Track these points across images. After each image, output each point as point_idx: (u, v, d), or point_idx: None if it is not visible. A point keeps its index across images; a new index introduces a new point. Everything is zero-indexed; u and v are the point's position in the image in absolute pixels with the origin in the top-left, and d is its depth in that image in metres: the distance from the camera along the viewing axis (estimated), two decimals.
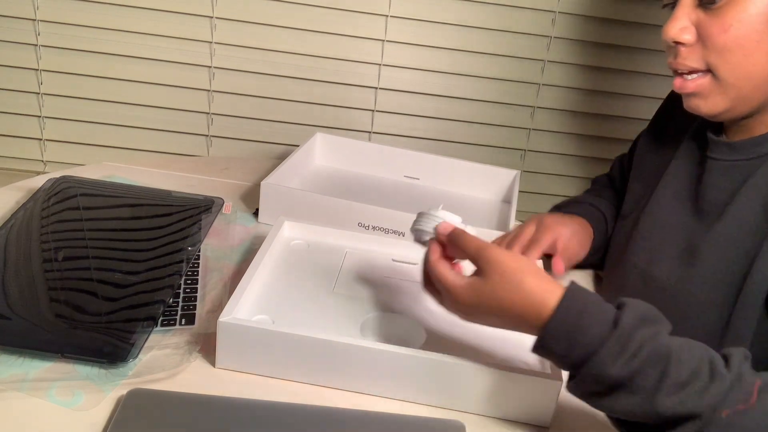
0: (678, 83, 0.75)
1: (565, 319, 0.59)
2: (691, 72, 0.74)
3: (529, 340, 0.76)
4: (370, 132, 1.35)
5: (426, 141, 1.36)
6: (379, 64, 1.29)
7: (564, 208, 0.98)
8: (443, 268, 0.65)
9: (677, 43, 0.73)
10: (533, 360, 0.73)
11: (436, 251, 0.67)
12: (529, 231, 0.88)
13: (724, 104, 0.74)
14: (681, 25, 0.72)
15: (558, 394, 0.68)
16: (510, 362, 0.72)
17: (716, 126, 0.80)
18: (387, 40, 1.27)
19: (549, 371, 0.69)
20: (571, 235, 0.90)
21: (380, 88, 1.31)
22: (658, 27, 1.28)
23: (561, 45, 1.30)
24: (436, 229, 0.68)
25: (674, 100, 0.88)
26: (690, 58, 0.73)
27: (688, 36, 0.73)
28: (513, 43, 1.29)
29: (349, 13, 1.25)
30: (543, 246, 0.86)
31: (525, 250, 0.86)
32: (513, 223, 0.99)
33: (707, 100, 0.74)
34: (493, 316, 0.63)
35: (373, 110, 1.33)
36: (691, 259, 0.77)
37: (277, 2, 1.23)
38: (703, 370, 0.56)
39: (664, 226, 0.82)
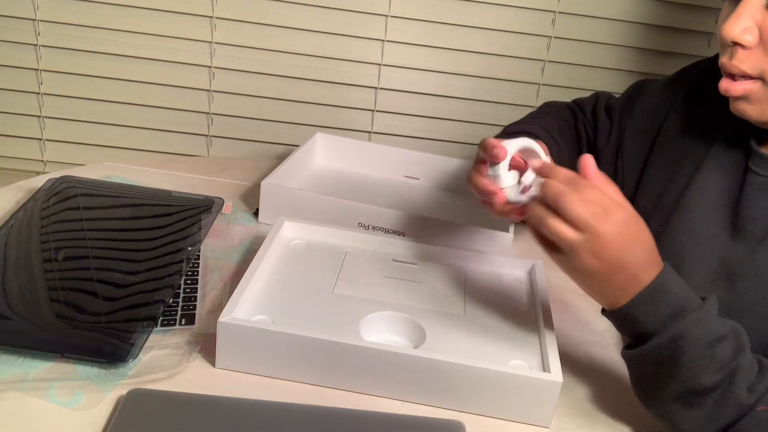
0: (724, 85, 0.70)
1: (673, 278, 0.63)
2: (743, 76, 0.69)
3: (528, 339, 0.76)
4: (370, 132, 1.35)
5: (426, 141, 1.36)
6: (379, 64, 1.29)
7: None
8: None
9: (736, 44, 0.67)
10: (533, 360, 0.73)
11: (591, 166, 0.63)
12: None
13: None
14: (744, 25, 0.66)
15: (558, 394, 0.68)
16: (509, 362, 0.71)
17: (760, 133, 0.75)
18: (387, 40, 1.27)
19: (549, 371, 0.68)
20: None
21: (380, 88, 1.31)
22: (659, 27, 1.29)
23: (561, 45, 1.30)
24: (579, 162, 0.65)
25: (707, 86, 0.83)
26: (746, 62, 0.68)
27: (750, 37, 0.66)
28: (513, 43, 1.29)
29: (349, 13, 1.25)
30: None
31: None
32: (513, 223, 0.99)
33: (755, 106, 0.70)
34: (629, 250, 0.61)
35: (373, 110, 1.33)
36: (727, 284, 0.74)
37: (277, 2, 1.23)
38: (754, 365, 0.62)
39: (695, 239, 0.78)
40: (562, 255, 0.63)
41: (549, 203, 0.62)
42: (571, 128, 0.99)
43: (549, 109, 1.03)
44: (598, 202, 0.61)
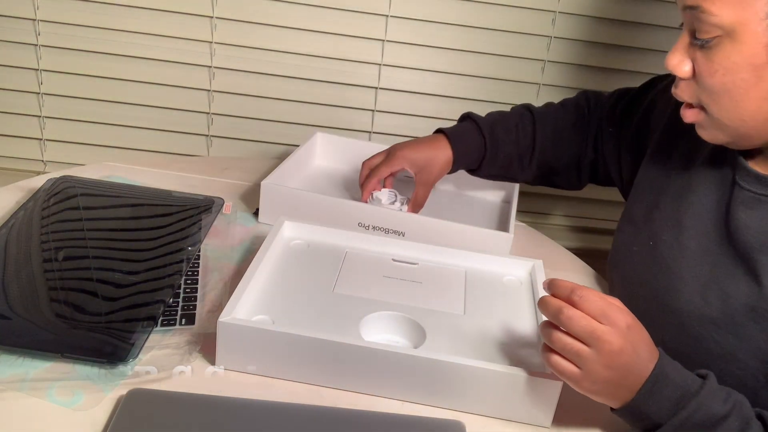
0: (681, 111, 0.74)
1: (670, 364, 0.65)
2: (690, 106, 0.72)
3: (528, 339, 0.76)
4: (370, 132, 1.35)
5: None
6: (379, 64, 1.29)
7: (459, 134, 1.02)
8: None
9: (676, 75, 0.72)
10: (533, 360, 0.73)
11: (567, 286, 0.64)
12: (377, 159, 1.00)
13: (723, 138, 0.72)
14: (679, 59, 0.70)
15: (558, 395, 0.68)
16: (510, 362, 0.71)
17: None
18: (387, 40, 1.27)
19: (549, 371, 0.68)
20: (424, 163, 0.99)
21: (380, 88, 1.31)
22: (659, 27, 1.29)
23: (561, 45, 1.30)
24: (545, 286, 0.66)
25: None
26: (686, 93, 0.72)
27: (686, 69, 0.70)
28: (513, 43, 1.29)
29: (349, 13, 1.25)
30: (381, 175, 0.98)
31: (368, 178, 0.98)
32: (513, 223, 0.99)
33: (707, 131, 0.73)
34: (636, 354, 0.63)
35: (373, 110, 1.33)
36: (719, 302, 0.73)
37: (277, 2, 1.23)
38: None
39: (686, 253, 0.78)
40: (577, 372, 0.63)
41: (552, 321, 0.64)
42: (576, 124, 1.04)
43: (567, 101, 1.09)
44: (600, 311, 0.62)
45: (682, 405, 0.63)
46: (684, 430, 0.63)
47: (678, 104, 0.84)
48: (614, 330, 0.61)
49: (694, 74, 0.70)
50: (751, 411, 0.65)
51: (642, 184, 0.89)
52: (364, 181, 0.99)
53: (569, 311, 0.62)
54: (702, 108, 0.71)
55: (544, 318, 0.65)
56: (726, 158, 0.77)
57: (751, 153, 0.75)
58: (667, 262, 0.79)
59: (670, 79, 0.93)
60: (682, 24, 0.72)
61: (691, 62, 0.70)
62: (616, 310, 0.62)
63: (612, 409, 0.67)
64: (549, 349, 0.64)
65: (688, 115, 0.73)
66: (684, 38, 0.70)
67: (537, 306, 0.65)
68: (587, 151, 1.03)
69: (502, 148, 1.01)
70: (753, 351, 0.71)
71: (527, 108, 1.06)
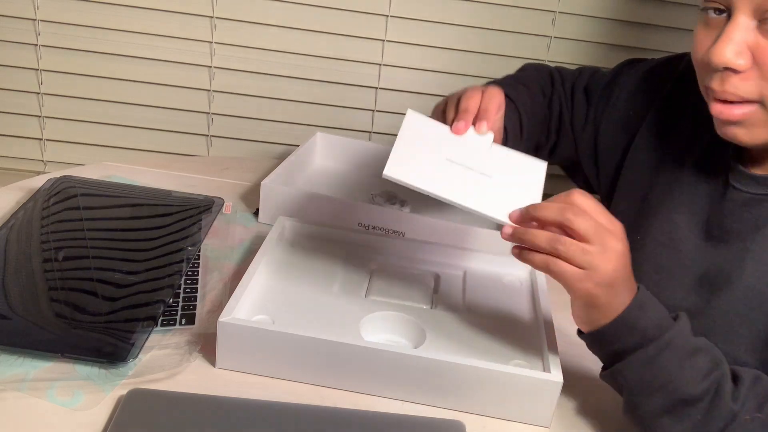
0: (719, 109, 0.66)
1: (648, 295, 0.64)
2: (742, 102, 0.64)
3: (528, 339, 0.76)
4: (370, 132, 1.35)
5: None
6: (379, 64, 1.29)
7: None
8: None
9: (727, 68, 0.63)
10: (533, 360, 0.73)
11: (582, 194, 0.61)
12: (476, 100, 0.80)
13: (767, 136, 0.66)
14: (734, 50, 0.62)
15: (558, 394, 0.68)
16: (510, 362, 0.71)
17: (734, 147, 0.72)
18: (387, 40, 1.27)
19: (549, 371, 0.69)
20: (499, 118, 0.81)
21: (380, 88, 1.31)
22: (660, 27, 1.29)
23: (561, 45, 1.30)
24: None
25: (686, 91, 0.80)
26: (742, 87, 0.63)
27: (743, 61, 0.62)
28: (513, 42, 1.29)
29: (349, 13, 1.25)
30: (493, 117, 0.78)
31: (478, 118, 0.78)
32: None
33: (749, 130, 0.66)
34: (626, 274, 0.62)
35: (373, 110, 1.33)
36: (709, 294, 0.73)
37: (277, 2, 1.23)
38: (729, 374, 0.63)
39: (679, 252, 0.76)
40: (580, 272, 0.60)
41: (553, 224, 0.61)
42: (546, 99, 0.96)
43: (530, 74, 0.98)
44: (598, 211, 0.61)
45: (666, 327, 0.62)
46: (665, 353, 0.61)
47: (672, 99, 0.83)
48: (616, 231, 0.60)
49: (752, 65, 0.62)
50: (720, 353, 0.64)
51: (629, 179, 0.86)
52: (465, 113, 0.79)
53: (574, 209, 0.59)
54: (757, 102, 0.64)
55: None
56: (718, 156, 0.75)
57: (744, 156, 0.73)
58: (659, 261, 0.78)
59: (646, 65, 0.92)
60: (705, 8, 0.65)
61: (749, 52, 0.62)
62: (609, 213, 0.62)
63: (582, 333, 0.66)
64: (547, 256, 0.61)
65: (736, 113, 0.65)
66: (735, 26, 0.62)
67: (532, 212, 0.63)
68: (550, 135, 0.96)
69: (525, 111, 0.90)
70: (738, 341, 0.71)
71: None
